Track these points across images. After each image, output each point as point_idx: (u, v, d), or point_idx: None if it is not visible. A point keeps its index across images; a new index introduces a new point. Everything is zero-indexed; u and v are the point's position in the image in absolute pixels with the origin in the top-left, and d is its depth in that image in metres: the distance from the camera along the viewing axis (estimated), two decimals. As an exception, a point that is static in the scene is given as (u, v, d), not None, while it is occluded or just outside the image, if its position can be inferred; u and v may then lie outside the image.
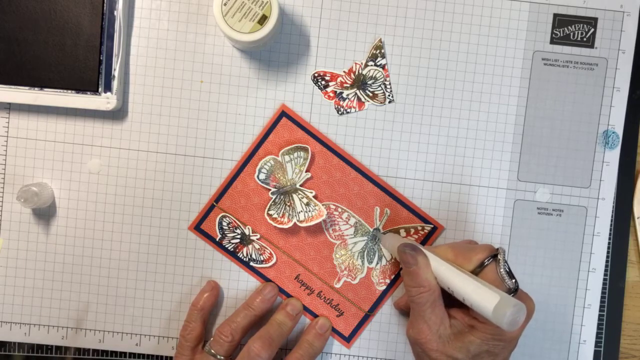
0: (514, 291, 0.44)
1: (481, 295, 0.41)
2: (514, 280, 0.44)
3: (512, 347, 0.46)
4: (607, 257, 0.55)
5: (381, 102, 0.54)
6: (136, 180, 0.54)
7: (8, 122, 0.54)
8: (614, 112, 0.54)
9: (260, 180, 0.53)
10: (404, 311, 0.54)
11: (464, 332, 0.45)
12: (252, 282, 0.55)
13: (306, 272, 0.55)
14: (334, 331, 0.55)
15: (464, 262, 0.46)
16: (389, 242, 0.52)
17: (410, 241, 0.49)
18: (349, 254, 0.54)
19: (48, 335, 0.55)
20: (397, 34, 0.53)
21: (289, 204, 0.53)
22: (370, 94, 0.54)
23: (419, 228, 0.54)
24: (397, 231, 0.54)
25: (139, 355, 0.55)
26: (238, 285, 0.55)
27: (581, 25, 0.54)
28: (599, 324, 0.55)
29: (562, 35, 0.54)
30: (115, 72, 0.52)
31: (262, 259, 0.54)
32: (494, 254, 0.45)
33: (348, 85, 0.54)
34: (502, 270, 0.44)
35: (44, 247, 0.55)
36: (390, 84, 0.54)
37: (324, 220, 0.54)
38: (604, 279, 0.55)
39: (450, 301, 0.46)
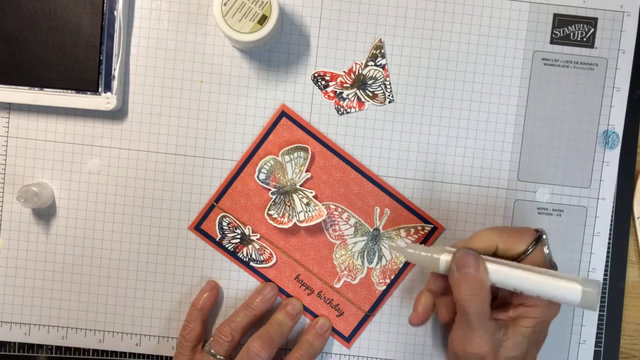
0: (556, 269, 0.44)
1: (562, 288, 0.41)
2: (554, 262, 0.44)
3: (546, 331, 0.45)
4: (607, 257, 0.55)
5: (381, 102, 0.54)
6: (136, 180, 0.54)
7: (8, 122, 0.54)
8: (614, 112, 0.54)
9: (260, 180, 0.53)
10: (449, 324, 0.49)
11: (509, 327, 0.43)
12: (252, 282, 0.55)
13: (306, 272, 0.55)
14: (334, 331, 0.55)
15: (513, 246, 0.44)
16: (415, 253, 0.47)
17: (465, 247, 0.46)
18: (349, 254, 0.54)
19: (48, 335, 0.55)
20: (397, 34, 0.53)
21: (289, 204, 0.53)
22: (370, 94, 0.54)
23: (419, 228, 0.54)
24: (397, 231, 0.54)
25: (139, 355, 0.55)
26: (238, 285, 0.55)
27: (581, 25, 0.54)
28: (599, 324, 0.55)
29: (562, 35, 0.54)
30: (115, 72, 0.52)
31: (262, 259, 0.54)
32: (539, 236, 0.44)
33: (348, 85, 0.54)
34: (547, 251, 0.44)
35: (44, 247, 0.55)
36: (390, 84, 0.54)
37: (324, 220, 0.54)
38: (604, 279, 0.55)
39: None
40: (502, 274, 0.43)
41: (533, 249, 0.44)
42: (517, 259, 0.44)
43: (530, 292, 0.42)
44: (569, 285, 0.41)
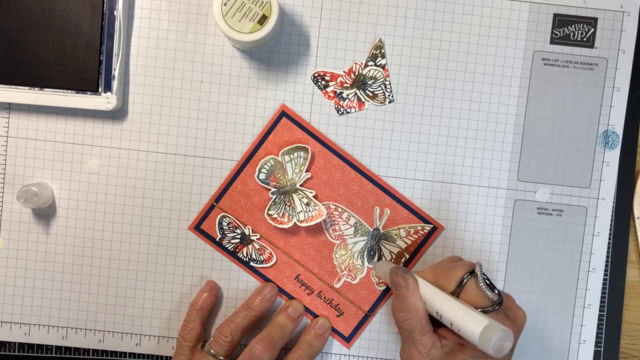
0: (499, 303, 0.44)
1: (468, 321, 0.41)
2: (496, 292, 0.44)
3: None
4: (607, 257, 0.55)
5: (381, 102, 0.54)
6: (136, 180, 0.54)
7: (8, 122, 0.54)
8: (614, 112, 0.54)
9: (260, 180, 0.53)
10: None
11: (455, 351, 0.45)
12: (252, 282, 0.55)
13: (306, 272, 0.55)
14: (334, 331, 0.55)
15: (446, 283, 0.46)
16: (381, 268, 0.52)
17: (401, 266, 0.50)
18: (349, 253, 0.54)
19: (48, 335, 0.55)
20: (397, 34, 0.53)
21: (289, 204, 0.53)
22: (370, 94, 0.54)
23: (419, 228, 0.54)
24: (397, 231, 0.54)
25: (139, 355, 0.55)
26: (238, 285, 0.55)
27: (581, 25, 0.54)
28: (599, 324, 0.55)
29: (562, 35, 0.54)
30: (115, 72, 0.52)
31: (262, 259, 0.54)
32: (472, 270, 0.45)
33: (348, 85, 0.54)
34: (481, 284, 0.44)
35: (44, 247, 0.55)
36: (390, 84, 0.54)
37: (324, 220, 0.54)
38: (604, 279, 0.55)
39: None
40: (428, 296, 0.46)
41: (462, 287, 0.45)
42: (454, 293, 0.46)
43: (446, 318, 0.44)
44: (474, 321, 0.41)
